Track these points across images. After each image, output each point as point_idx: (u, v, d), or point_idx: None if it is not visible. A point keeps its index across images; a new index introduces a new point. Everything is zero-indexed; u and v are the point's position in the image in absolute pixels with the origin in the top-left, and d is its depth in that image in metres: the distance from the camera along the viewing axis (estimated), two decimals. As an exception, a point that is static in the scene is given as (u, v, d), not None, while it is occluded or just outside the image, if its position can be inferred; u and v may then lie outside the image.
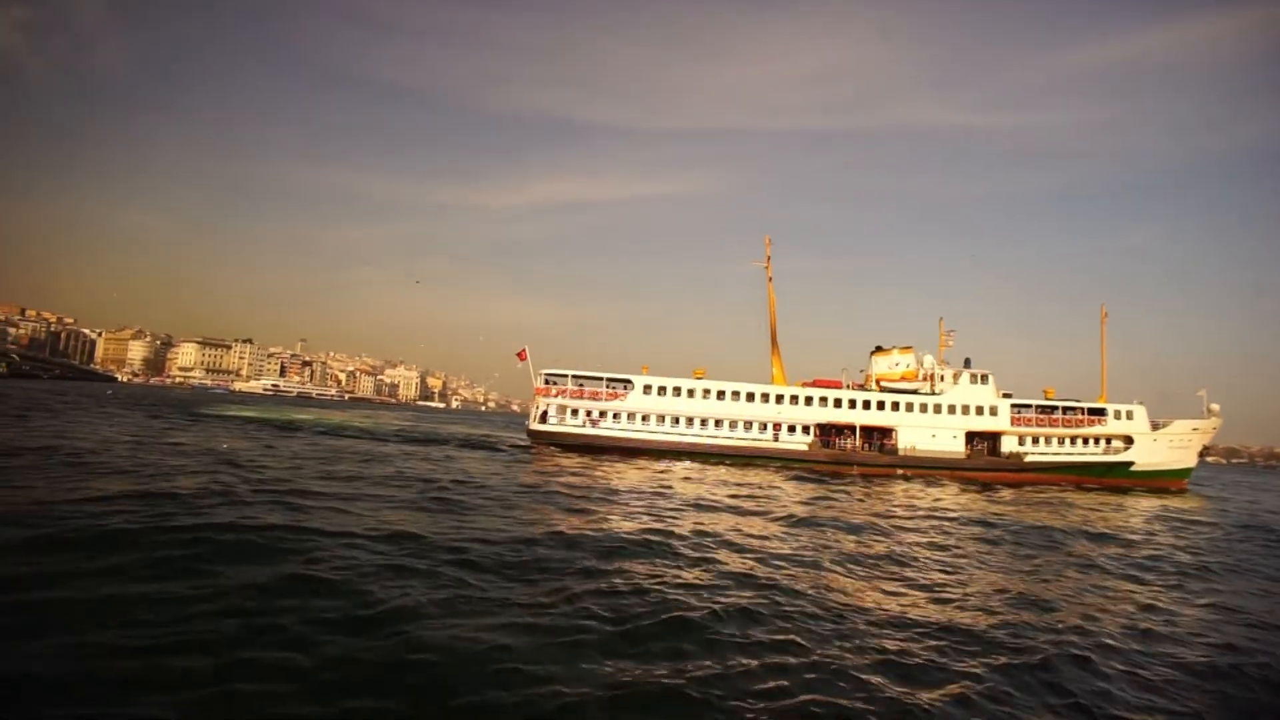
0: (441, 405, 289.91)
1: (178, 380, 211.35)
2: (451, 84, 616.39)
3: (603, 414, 44.90)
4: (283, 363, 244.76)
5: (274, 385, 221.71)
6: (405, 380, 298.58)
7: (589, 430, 44.53)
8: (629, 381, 45.24)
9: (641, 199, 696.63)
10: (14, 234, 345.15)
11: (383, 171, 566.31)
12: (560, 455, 38.98)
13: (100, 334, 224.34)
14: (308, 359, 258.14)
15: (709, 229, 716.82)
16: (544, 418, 45.22)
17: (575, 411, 45.15)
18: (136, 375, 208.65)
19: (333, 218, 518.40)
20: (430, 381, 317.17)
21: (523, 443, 46.16)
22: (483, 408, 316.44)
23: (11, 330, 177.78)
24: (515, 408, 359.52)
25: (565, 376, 45.94)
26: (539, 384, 46.07)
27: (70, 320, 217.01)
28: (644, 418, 44.81)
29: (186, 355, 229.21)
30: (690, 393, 44.92)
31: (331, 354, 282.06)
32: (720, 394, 44.95)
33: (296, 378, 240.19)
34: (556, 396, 45.38)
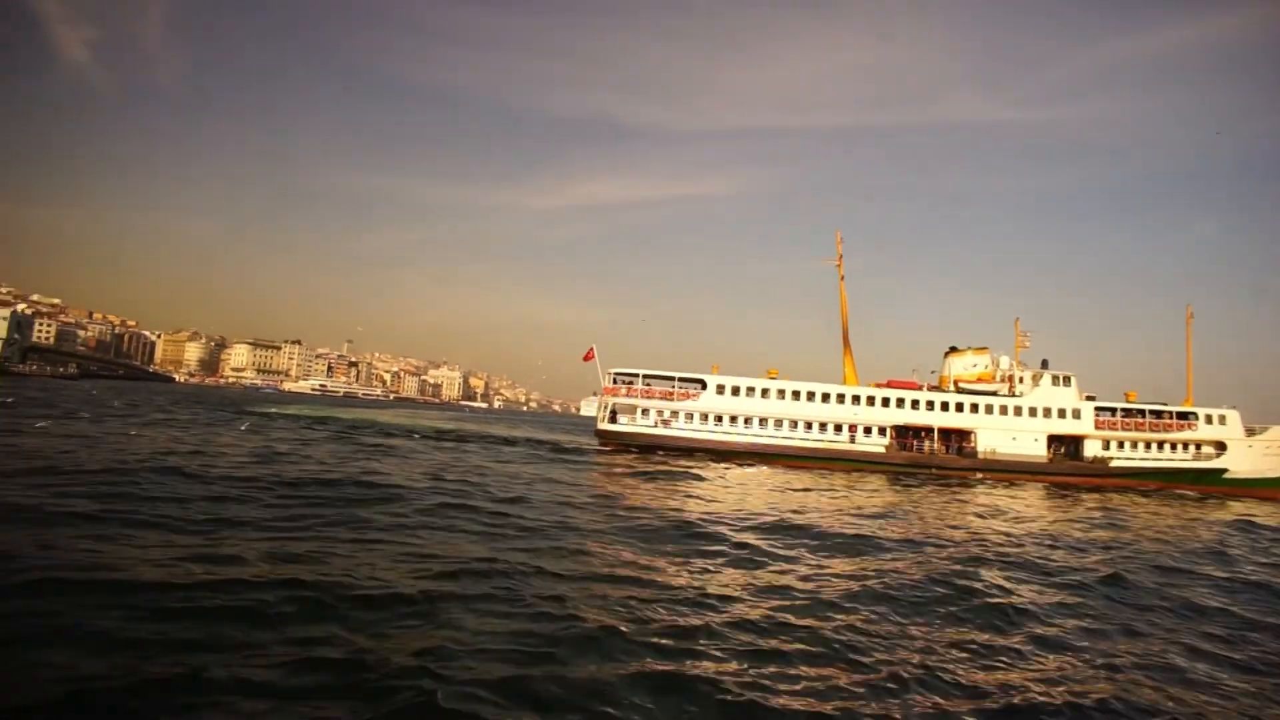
0: (484, 405, 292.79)
1: (231, 380, 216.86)
2: (493, 89, 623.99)
3: (674, 414, 44.53)
4: (330, 363, 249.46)
5: (322, 385, 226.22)
6: (448, 380, 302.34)
7: (660, 431, 44.20)
8: (701, 381, 44.80)
9: (683, 199, 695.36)
10: (80, 239, 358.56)
11: (426, 175, 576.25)
12: (639, 460, 38.70)
13: (159, 336, 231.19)
14: (354, 359, 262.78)
15: (753, 228, 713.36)
16: (613, 417, 44.97)
17: (646, 411, 44.86)
18: (193, 376, 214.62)
19: (378, 221, 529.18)
20: (472, 382, 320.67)
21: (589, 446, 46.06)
22: (524, 408, 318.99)
23: (80, 333, 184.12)
24: (556, 408, 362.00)
25: (635, 376, 45.66)
26: (607, 383, 45.88)
27: (132, 323, 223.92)
28: (717, 418, 44.33)
29: (239, 356, 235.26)
30: (764, 393, 44.32)
31: (377, 355, 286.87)
32: (795, 394, 44.28)
33: (343, 378, 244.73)
34: (627, 396, 45.12)
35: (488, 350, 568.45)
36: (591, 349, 46.39)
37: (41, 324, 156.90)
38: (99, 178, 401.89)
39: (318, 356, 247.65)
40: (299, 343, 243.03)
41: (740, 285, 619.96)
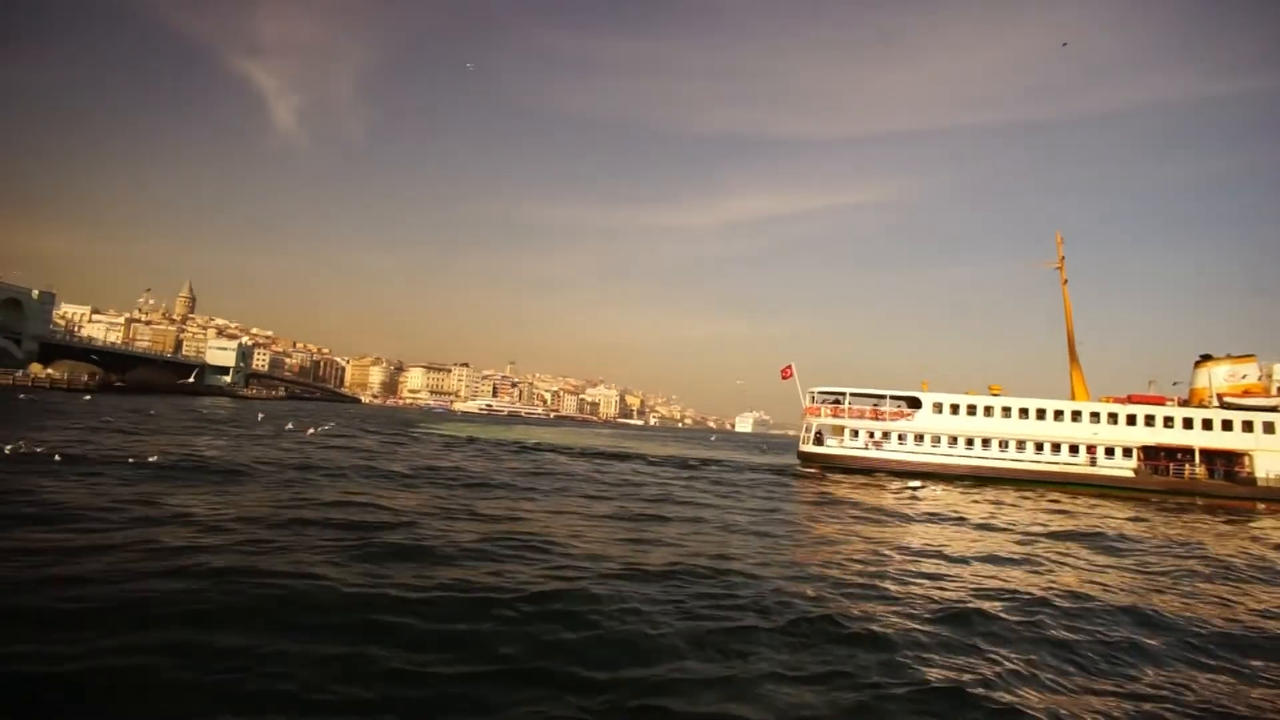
0: (640, 422, 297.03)
1: (408, 401, 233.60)
2: (637, 114, 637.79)
3: (886, 435, 41.92)
4: (495, 384, 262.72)
5: (488, 405, 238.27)
6: (605, 399, 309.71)
7: (871, 453, 41.72)
8: (915, 399, 41.89)
9: (837, 209, 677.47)
10: (284, 277, 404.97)
11: (580, 202, 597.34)
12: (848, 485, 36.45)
13: (349, 361, 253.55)
14: (516, 380, 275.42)
15: (913, 234, 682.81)
16: (819, 439, 43.00)
17: (855, 432, 42.52)
18: (376, 397, 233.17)
19: (536, 247, 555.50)
20: (628, 399, 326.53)
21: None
22: (679, 424, 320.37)
23: (287, 360, 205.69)
24: (711, 424, 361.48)
25: (841, 395, 43.50)
26: (807, 402, 44.02)
27: (326, 350, 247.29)
28: (934, 439, 41.23)
29: (414, 379, 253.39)
30: (988, 410, 40.73)
31: (537, 375, 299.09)
32: (1023, 412, 40.34)
33: (507, 397, 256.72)
34: (833, 416, 43.02)
35: (641, 368, 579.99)
36: (789, 366, 44.80)
37: (259, 353, 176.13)
38: (300, 224, 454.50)
39: (484, 378, 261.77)
40: (466, 365, 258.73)
41: (904, 295, 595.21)
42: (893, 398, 42.55)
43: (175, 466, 18.42)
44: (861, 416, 42.49)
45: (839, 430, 42.98)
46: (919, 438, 41.40)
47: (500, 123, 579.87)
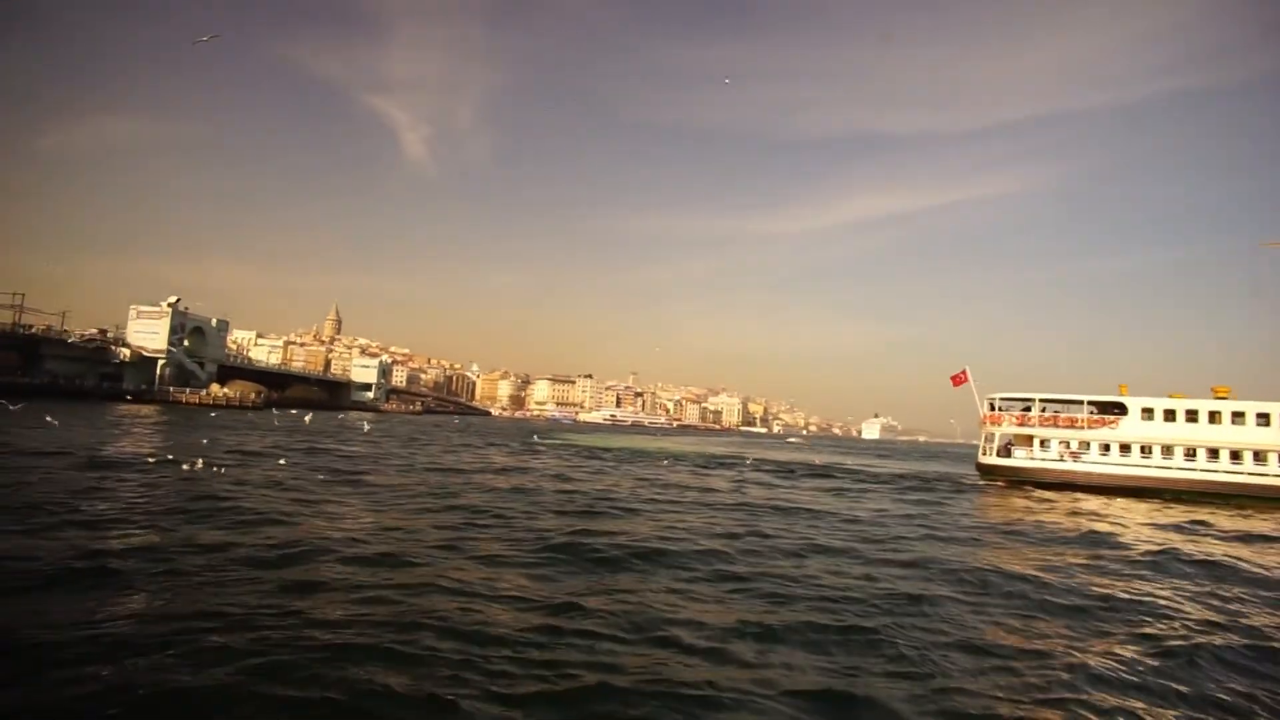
0: (764, 430, 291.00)
1: (535, 413, 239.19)
2: (748, 121, 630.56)
3: (1085, 445, 36.92)
4: (618, 394, 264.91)
5: (611, 415, 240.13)
6: (727, 407, 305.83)
7: (1068, 465, 36.88)
8: (1119, 405, 36.69)
9: (959, 204, 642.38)
10: (415, 298, 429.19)
11: (696, 211, 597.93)
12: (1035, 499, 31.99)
13: (479, 376, 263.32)
14: (639, 390, 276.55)
15: (1039, 228, 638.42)
16: (1006, 450, 38.54)
17: (1045, 443, 37.79)
18: (504, 409, 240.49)
19: (654, 258, 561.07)
20: (751, 407, 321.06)
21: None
22: (803, 431, 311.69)
23: (422, 376, 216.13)
24: (836, 431, 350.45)
25: (1028, 401, 38.85)
26: (985, 410, 39.61)
27: (458, 365, 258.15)
28: (1143, 450, 35.88)
29: (540, 391, 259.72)
30: (1213, 416, 34.96)
31: (659, 384, 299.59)
32: (1263, 417, 34.28)
33: (630, 407, 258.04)
34: (1018, 425, 38.47)
35: (762, 376, 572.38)
36: (964, 370, 40.58)
37: (397, 370, 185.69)
38: (430, 247, 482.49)
39: (607, 388, 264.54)
40: (590, 376, 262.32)
41: (1013, 292, 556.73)
42: (1091, 403, 37.44)
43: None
44: (1054, 425, 37.65)
45: (1025, 440, 38.38)
46: (1124, 448, 36.16)
47: (614, 138, 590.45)
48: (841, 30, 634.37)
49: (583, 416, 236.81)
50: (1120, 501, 30.11)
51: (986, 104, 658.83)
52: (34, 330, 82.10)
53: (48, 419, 32.30)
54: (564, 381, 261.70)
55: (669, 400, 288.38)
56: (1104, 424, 36.57)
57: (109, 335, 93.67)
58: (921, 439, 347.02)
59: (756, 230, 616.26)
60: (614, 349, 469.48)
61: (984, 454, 39.21)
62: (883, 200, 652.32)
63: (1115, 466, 35.99)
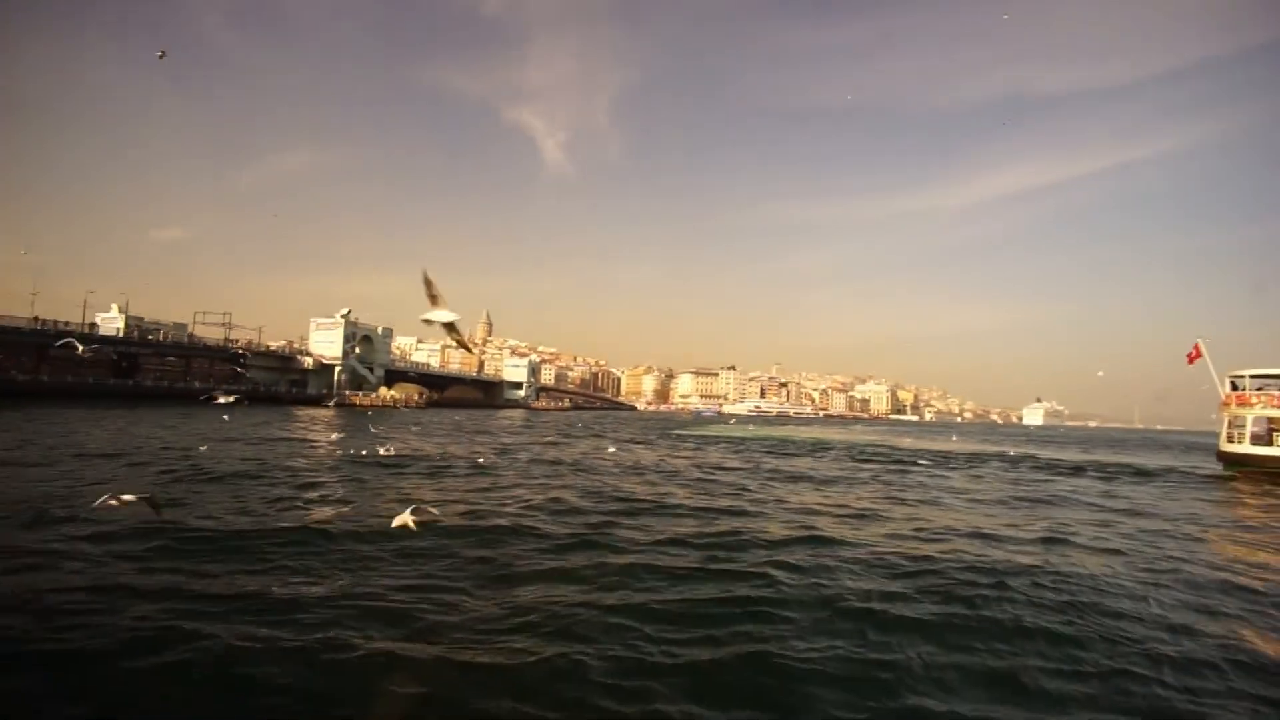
0: (915, 418, 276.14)
1: (680, 407, 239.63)
2: (879, 95, 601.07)
3: (1367, 429, 30.53)
4: (762, 385, 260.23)
5: (756, 406, 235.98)
6: (875, 395, 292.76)
7: (1349, 454, 30.60)
8: None
9: (1126, 166, 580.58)
10: (559, 296, 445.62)
11: (832, 192, 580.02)
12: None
13: (624, 371, 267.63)
14: (783, 380, 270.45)
15: (1216, 184, 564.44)
16: (1268, 437, 32.30)
17: (1314, 427, 31.59)
18: (650, 404, 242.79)
19: (795, 245, 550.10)
20: (900, 394, 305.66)
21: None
22: (958, 419, 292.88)
23: (569, 373, 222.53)
24: (994, 417, 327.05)
25: (1282, 377, 32.69)
26: (1226, 390, 33.84)
27: (603, 362, 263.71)
28: None
29: (684, 384, 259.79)
30: None
31: (803, 374, 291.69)
32: None
33: (775, 398, 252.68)
34: (1277, 407, 32.40)
35: (912, 362, 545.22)
36: (1196, 345, 34.95)
37: (545, 368, 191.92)
38: (572, 246, 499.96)
39: (750, 380, 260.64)
40: (733, 368, 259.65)
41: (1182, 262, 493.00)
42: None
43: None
44: (1309, 404, 31.42)
45: (1280, 424, 32.29)
46: None
47: (749, 125, 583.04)
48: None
49: (727, 408, 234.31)
50: None
51: (1148, 54, 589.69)
52: (237, 343, 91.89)
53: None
54: (707, 374, 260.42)
55: (814, 389, 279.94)
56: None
57: (295, 346, 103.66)
58: (1092, 424, 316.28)
59: (902, 209, 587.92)
60: (757, 339, 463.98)
61: (1230, 441, 33.38)
62: (1032, 170, 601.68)
63: None
